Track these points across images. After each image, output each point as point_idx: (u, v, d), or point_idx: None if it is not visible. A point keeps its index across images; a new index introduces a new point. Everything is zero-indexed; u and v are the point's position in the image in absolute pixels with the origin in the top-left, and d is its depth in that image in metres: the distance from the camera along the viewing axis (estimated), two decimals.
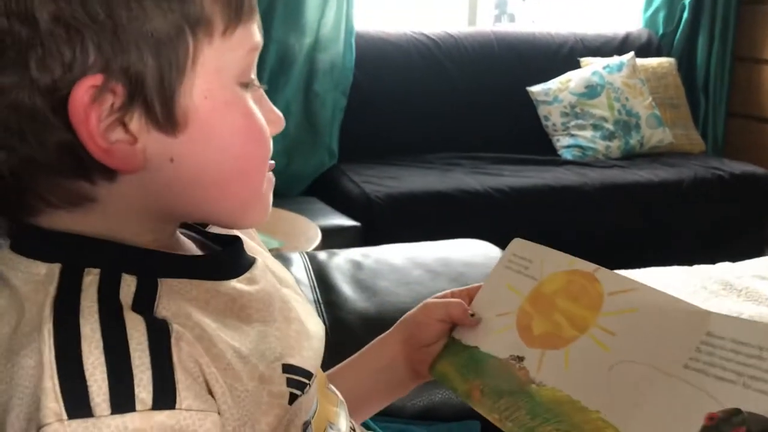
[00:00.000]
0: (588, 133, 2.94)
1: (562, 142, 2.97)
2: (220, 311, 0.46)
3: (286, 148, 2.62)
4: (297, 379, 0.49)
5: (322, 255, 1.20)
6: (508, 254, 0.70)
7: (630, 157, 2.93)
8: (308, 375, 0.50)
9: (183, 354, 0.40)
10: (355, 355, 0.73)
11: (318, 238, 1.75)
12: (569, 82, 3.00)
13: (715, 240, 2.73)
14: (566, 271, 0.64)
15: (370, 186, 2.43)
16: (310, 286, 1.11)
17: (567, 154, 2.92)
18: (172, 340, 0.40)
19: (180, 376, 0.39)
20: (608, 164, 2.81)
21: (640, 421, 0.51)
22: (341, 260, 1.18)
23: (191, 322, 0.43)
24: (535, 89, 3.02)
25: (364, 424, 0.94)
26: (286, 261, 1.16)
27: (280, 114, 0.51)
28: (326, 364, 0.74)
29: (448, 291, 0.72)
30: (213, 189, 0.46)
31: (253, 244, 0.59)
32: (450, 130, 2.93)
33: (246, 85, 0.46)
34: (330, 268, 1.16)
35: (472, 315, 0.68)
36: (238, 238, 0.54)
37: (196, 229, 0.55)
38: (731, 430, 0.47)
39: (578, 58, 3.10)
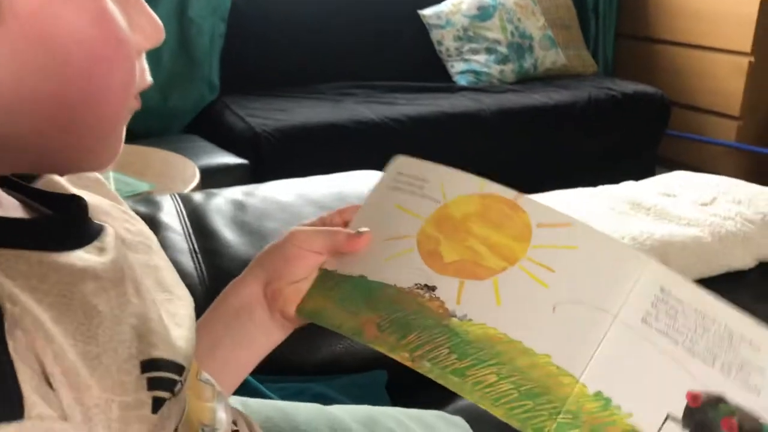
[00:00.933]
0: (482, 57, 2.86)
1: (456, 67, 2.89)
2: (59, 292, 0.34)
3: (160, 82, 2.40)
4: (163, 377, 0.37)
5: (197, 196, 1.04)
6: (393, 173, 0.59)
7: (524, 80, 2.89)
8: (179, 369, 0.39)
9: (20, 346, 0.30)
10: (210, 307, 0.60)
11: (196, 178, 1.58)
12: (461, 4, 2.89)
13: (610, 160, 2.74)
14: (479, 194, 0.55)
15: (256, 120, 2.26)
16: (183, 232, 0.96)
17: (462, 80, 2.85)
18: (6, 326, 0.30)
19: (23, 375, 0.30)
20: (503, 89, 2.77)
21: (601, 375, 0.45)
22: (221, 201, 1.03)
23: (18, 308, 0.32)
24: (426, 12, 2.90)
25: (254, 390, 0.82)
26: (154, 205, 0.99)
27: (158, 22, 0.39)
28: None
29: (316, 218, 0.60)
30: (45, 114, 0.35)
31: (97, 200, 0.45)
32: (340, 58, 2.78)
33: None
34: (208, 210, 1.01)
35: (358, 233, 0.56)
36: (77, 197, 0.42)
37: (16, 183, 0.41)
38: (721, 419, 0.44)
39: None
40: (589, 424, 0.44)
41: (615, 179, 1.72)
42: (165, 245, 0.94)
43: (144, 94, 0.41)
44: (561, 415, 0.44)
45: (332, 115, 2.35)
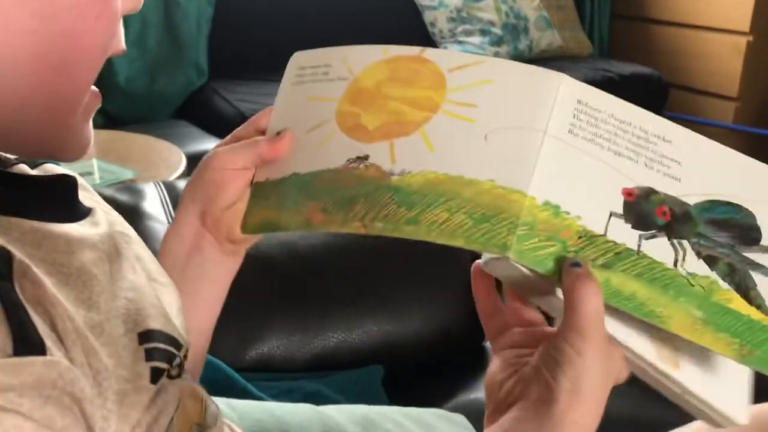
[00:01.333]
0: (476, 39, 2.81)
1: (450, 49, 2.83)
2: (55, 261, 0.34)
3: (146, 66, 2.33)
4: (160, 347, 0.37)
5: (183, 184, 0.99)
6: (293, 71, 0.57)
7: (520, 62, 2.83)
8: (176, 344, 0.39)
9: (29, 295, 0.30)
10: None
11: (182, 164, 1.53)
12: None
13: None
14: (384, 60, 0.54)
15: (246, 105, 2.20)
16: (168, 222, 0.91)
17: None
18: (14, 271, 0.30)
19: (36, 321, 0.29)
20: None
21: (545, 186, 0.47)
22: None
23: (24, 261, 0.32)
24: None
25: (242, 390, 0.77)
26: (136, 194, 0.94)
27: None
28: None
29: (229, 136, 0.56)
30: (23, 77, 0.34)
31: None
32: (332, 40, 2.69)
33: None
34: None
35: (278, 135, 0.54)
36: (66, 176, 0.43)
37: None
38: (655, 208, 0.48)
39: None
40: (546, 232, 0.46)
41: None
42: (148, 236, 0.88)
43: (130, 79, 0.37)
44: (519, 228, 0.46)
45: None
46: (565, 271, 0.44)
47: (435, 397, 0.90)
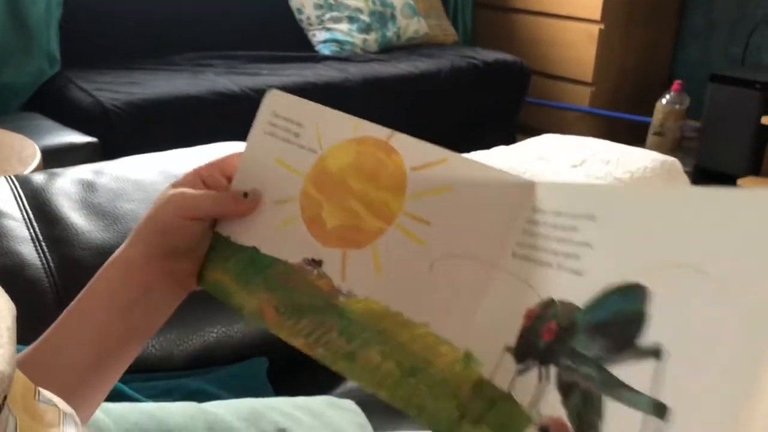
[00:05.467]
0: (344, 27, 2.80)
1: (318, 36, 2.80)
2: None
3: None
4: None
5: (38, 178, 0.91)
6: (268, 114, 0.53)
7: (388, 50, 2.86)
8: None
9: None
10: (73, 303, 0.50)
11: (36, 158, 1.42)
12: None
13: (475, 128, 2.78)
14: (354, 139, 0.50)
15: (105, 94, 2.07)
16: (24, 219, 0.83)
17: (325, 50, 2.77)
18: None
19: None
20: (367, 58, 2.72)
21: (474, 330, 0.42)
22: (66, 182, 0.91)
23: None
24: None
25: (117, 393, 0.72)
26: None
27: None
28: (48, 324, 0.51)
29: (189, 172, 0.51)
30: None
31: None
32: (197, 28, 2.62)
33: None
34: (51, 193, 0.88)
35: (246, 196, 0.51)
36: None
37: None
38: (542, 327, 0.39)
39: None
40: (453, 389, 0.42)
41: (480, 146, 1.72)
42: (1, 234, 0.81)
43: None
44: (438, 388, 0.42)
45: (190, 87, 2.20)
46: None
47: (323, 385, 0.88)
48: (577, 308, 0.38)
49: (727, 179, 2.63)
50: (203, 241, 0.51)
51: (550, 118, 3.12)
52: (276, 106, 0.53)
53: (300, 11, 2.81)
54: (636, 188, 0.42)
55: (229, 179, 0.52)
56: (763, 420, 0.28)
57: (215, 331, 0.87)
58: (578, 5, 2.96)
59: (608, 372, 0.36)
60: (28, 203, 0.86)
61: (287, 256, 0.50)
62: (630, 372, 0.34)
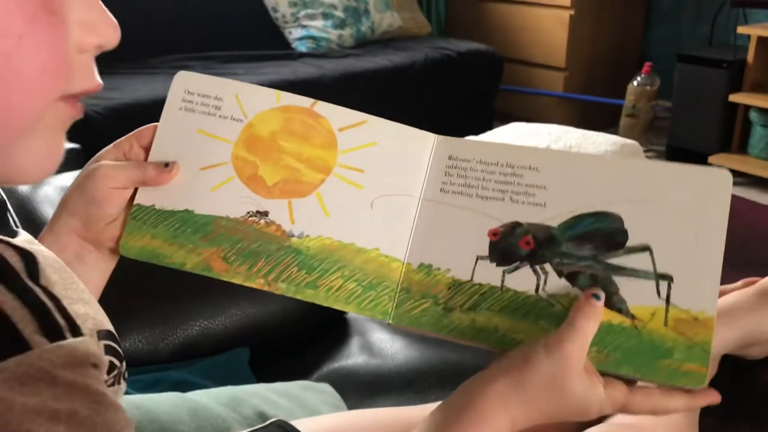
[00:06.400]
0: (319, 23, 2.84)
1: (294, 34, 2.84)
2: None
3: None
4: (113, 346, 0.41)
5: (23, 186, 0.95)
6: (180, 91, 0.58)
7: (363, 44, 2.90)
8: (119, 352, 0.42)
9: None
10: None
11: None
12: None
13: (451, 118, 2.83)
14: (278, 107, 0.58)
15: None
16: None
17: (301, 47, 2.81)
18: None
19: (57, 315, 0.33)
20: (343, 53, 2.76)
21: (420, 249, 0.54)
22: (50, 190, 0.95)
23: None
24: None
25: None
26: None
27: (112, 19, 0.38)
28: None
29: (110, 146, 0.56)
30: None
31: None
32: (172, 30, 2.65)
33: None
34: (36, 201, 0.93)
35: (166, 165, 0.55)
36: None
37: None
38: (519, 240, 0.53)
39: None
40: (420, 292, 0.53)
41: (457, 135, 1.77)
42: None
43: None
44: (398, 295, 0.54)
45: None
46: (583, 295, 0.48)
47: (302, 371, 0.93)
48: (551, 227, 0.53)
49: (699, 157, 2.70)
50: (126, 210, 0.55)
51: (526, 105, 3.18)
52: (187, 85, 0.58)
53: (275, 9, 2.85)
54: (565, 153, 0.58)
55: (146, 149, 0.56)
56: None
57: (198, 324, 0.92)
58: None
59: (607, 262, 0.51)
60: (15, 212, 0.90)
61: (227, 212, 0.55)
62: (629, 261, 0.51)
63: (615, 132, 2.95)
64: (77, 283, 0.41)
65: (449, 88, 2.82)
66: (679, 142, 2.82)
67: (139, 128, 0.57)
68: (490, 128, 2.51)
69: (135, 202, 0.56)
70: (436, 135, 0.57)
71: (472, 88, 2.89)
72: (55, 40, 0.34)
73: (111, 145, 0.57)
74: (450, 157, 0.56)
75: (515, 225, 0.53)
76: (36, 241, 0.44)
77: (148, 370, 0.84)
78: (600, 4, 3.06)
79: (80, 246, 0.55)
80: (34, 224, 0.89)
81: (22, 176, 0.38)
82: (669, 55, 3.10)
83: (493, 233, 0.53)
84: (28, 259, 0.34)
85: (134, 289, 0.88)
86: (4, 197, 0.44)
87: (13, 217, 0.46)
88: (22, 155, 0.36)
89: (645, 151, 2.95)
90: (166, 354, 0.89)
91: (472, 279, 0.53)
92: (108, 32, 0.38)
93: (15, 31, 0.32)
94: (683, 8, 3.16)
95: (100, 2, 0.38)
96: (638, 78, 2.90)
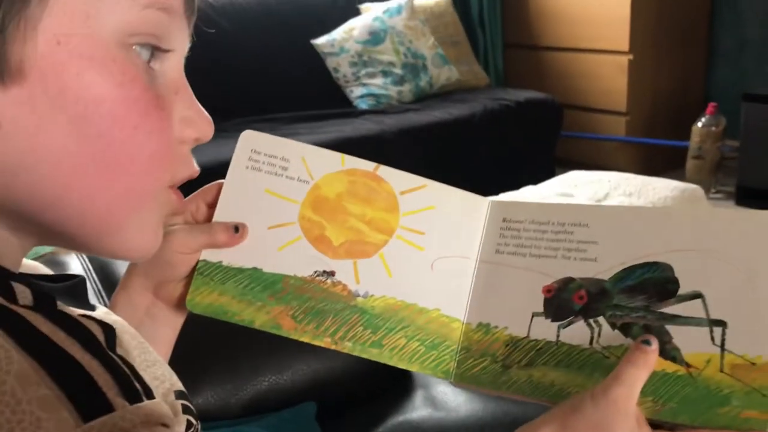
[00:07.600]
0: (379, 81, 2.92)
1: (355, 92, 2.93)
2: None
3: None
4: (189, 406, 0.45)
5: None
6: (246, 151, 0.60)
7: (422, 98, 2.96)
8: (193, 410, 0.46)
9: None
10: None
11: None
12: (353, 30, 2.94)
13: (512, 167, 2.83)
14: (343, 170, 0.60)
15: None
16: (95, 291, 0.94)
17: (362, 104, 2.89)
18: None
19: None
20: (403, 109, 2.82)
21: (478, 309, 0.56)
22: None
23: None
24: (319, 42, 2.93)
25: None
26: (59, 266, 0.97)
27: (207, 115, 0.43)
28: None
29: (178, 208, 0.61)
30: (61, 175, 0.36)
31: None
32: (241, 95, 2.77)
33: (151, 54, 0.39)
34: (115, 263, 0.99)
35: (236, 230, 0.57)
36: (74, 276, 0.47)
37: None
38: (572, 296, 0.54)
39: (357, 5, 3.05)
40: (479, 351, 0.55)
41: (518, 184, 1.78)
42: None
43: None
44: (459, 354, 0.56)
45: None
46: (634, 344, 0.49)
47: (367, 423, 0.95)
48: (603, 281, 0.54)
49: None
50: (193, 268, 0.58)
51: (588, 150, 3.16)
52: (254, 144, 0.60)
53: (336, 70, 2.95)
54: (614, 207, 0.61)
55: (211, 206, 0.58)
56: None
57: (266, 380, 0.96)
58: (605, 38, 3.02)
59: (659, 311, 0.52)
60: (97, 276, 0.97)
61: (295, 272, 0.57)
62: (681, 309, 0.51)
63: (682, 174, 2.90)
64: (149, 350, 0.45)
65: (509, 138, 2.84)
66: (749, 182, 2.74)
67: (204, 187, 0.59)
68: (552, 175, 2.51)
69: (201, 257, 0.57)
70: (491, 199, 0.60)
71: (532, 136, 2.90)
72: (163, 132, 0.39)
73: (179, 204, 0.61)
74: (504, 219, 0.58)
75: (568, 281, 0.55)
76: (111, 313, 0.48)
77: (220, 425, 0.87)
78: (659, 47, 3.05)
79: (152, 304, 0.58)
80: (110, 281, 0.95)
81: (129, 252, 0.42)
82: (733, 94, 3.05)
83: (547, 290, 0.55)
84: (107, 330, 0.38)
85: (205, 346, 0.92)
86: (85, 276, 0.49)
87: (97, 290, 0.52)
88: (132, 234, 0.40)
89: (714, 193, 2.89)
90: (236, 409, 0.93)
91: (528, 335, 0.55)
92: (204, 127, 0.43)
93: (131, 123, 0.37)
94: (746, 47, 3.12)
95: (197, 102, 0.42)
96: (703, 119, 2.86)
